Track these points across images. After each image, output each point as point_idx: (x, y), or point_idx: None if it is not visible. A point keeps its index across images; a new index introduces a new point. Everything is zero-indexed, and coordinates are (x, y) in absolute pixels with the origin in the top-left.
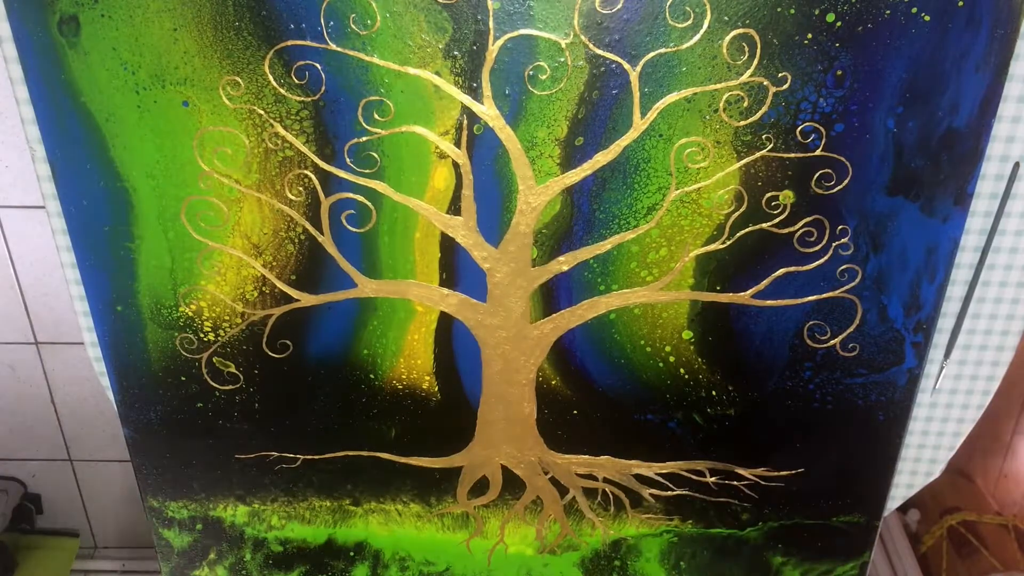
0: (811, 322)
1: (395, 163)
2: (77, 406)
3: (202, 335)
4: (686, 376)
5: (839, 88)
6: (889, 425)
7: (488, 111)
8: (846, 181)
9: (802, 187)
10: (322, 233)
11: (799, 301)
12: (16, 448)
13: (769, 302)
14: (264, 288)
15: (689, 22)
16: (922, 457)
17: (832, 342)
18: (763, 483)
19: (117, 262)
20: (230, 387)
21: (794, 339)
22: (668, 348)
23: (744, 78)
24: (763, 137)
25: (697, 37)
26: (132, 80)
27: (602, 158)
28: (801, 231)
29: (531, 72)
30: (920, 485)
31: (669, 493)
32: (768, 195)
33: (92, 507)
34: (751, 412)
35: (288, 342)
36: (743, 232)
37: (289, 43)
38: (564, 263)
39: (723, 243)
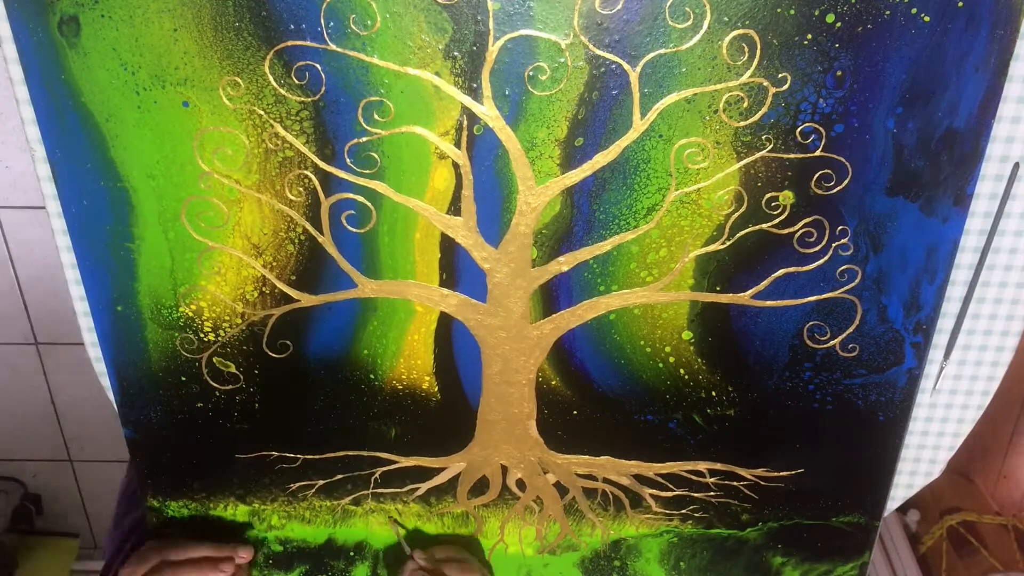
0: (811, 322)
1: (395, 163)
2: (77, 406)
3: (202, 335)
4: (686, 377)
5: (839, 89)
6: (889, 425)
7: (488, 112)
8: (846, 182)
9: (802, 188)
10: (322, 233)
11: (799, 301)
12: (16, 448)
13: (769, 302)
14: (264, 288)
15: (689, 23)
16: (922, 457)
17: (832, 343)
18: (763, 483)
19: (117, 262)
20: (230, 387)
21: (794, 339)
22: (668, 349)
23: (744, 79)
24: (763, 138)
25: (697, 38)
26: (132, 80)
27: (602, 159)
28: (801, 231)
29: (531, 73)
30: (920, 485)
31: (669, 493)
32: (768, 196)
33: (92, 507)
34: (751, 413)
35: (288, 342)
36: (743, 233)
37: (289, 43)
38: (564, 263)
39: (723, 243)
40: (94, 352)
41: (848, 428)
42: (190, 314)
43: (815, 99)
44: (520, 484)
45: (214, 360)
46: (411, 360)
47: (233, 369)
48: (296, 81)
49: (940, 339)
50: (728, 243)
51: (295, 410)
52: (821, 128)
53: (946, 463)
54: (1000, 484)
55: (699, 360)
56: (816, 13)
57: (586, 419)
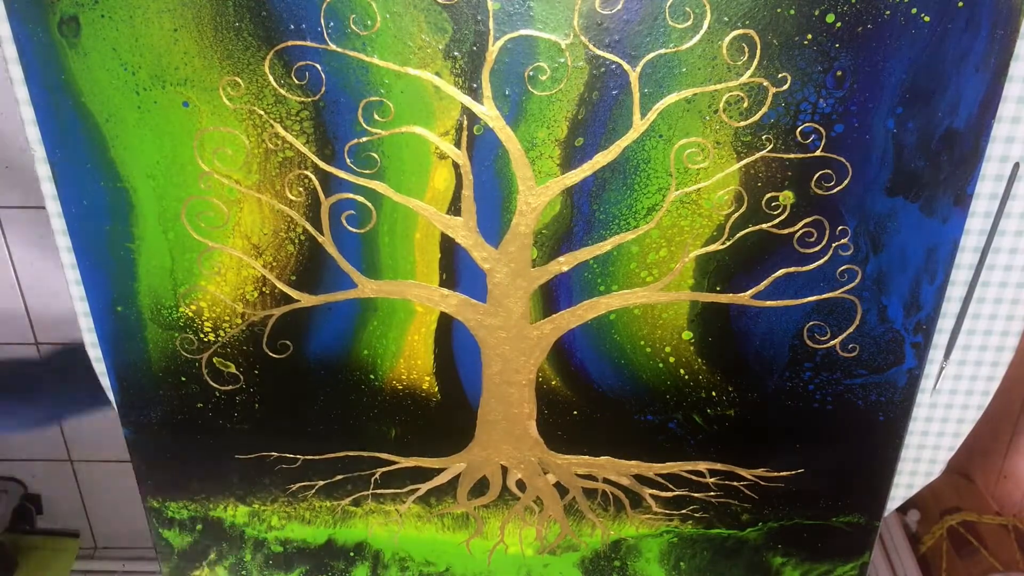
0: (811, 323)
1: (395, 164)
2: None
3: (202, 335)
4: (686, 377)
5: (839, 89)
6: (889, 425)
7: (488, 112)
8: (846, 182)
9: (802, 188)
10: (322, 233)
11: (799, 302)
12: (16, 448)
13: (769, 303)
14: (264, 288)
15: (689, 23)
16: (922, 457)
17: (832, 343)
18: (763, 483)
19: (117, 262)
20: (230, 387)
21: (794, 339)
22: (668, 349)
23: (744, 79)
24: (763, 138)
25: (697, 38)
26: (132, 80)
27: (602, 159)
28: (801, 231)
29: (531, 73)
30: (920, 485)
31: (669, 493)
32: (768, 196)
33: (92, 507)
34: (751, 413)
35: (288, 342)
36: (743, 233)
37: (289, 43)
38: (564, 264)
39: (723, 243)
40: (94, 352)
41: (848, 428)
42: (190, 314)
43: (815, 99)
44: (520, 484)
45: (214, 360)
46: (411, 360)
47: (233, 369)
48: (296, 81)
49: (940, 339)
50: (728, 243)
51: (295, 410)
52: (821, 128)
53: (946, 463)
54: (1000, 484)
55: (699, 360)
56: (816, 13)
57: (586, 419)
